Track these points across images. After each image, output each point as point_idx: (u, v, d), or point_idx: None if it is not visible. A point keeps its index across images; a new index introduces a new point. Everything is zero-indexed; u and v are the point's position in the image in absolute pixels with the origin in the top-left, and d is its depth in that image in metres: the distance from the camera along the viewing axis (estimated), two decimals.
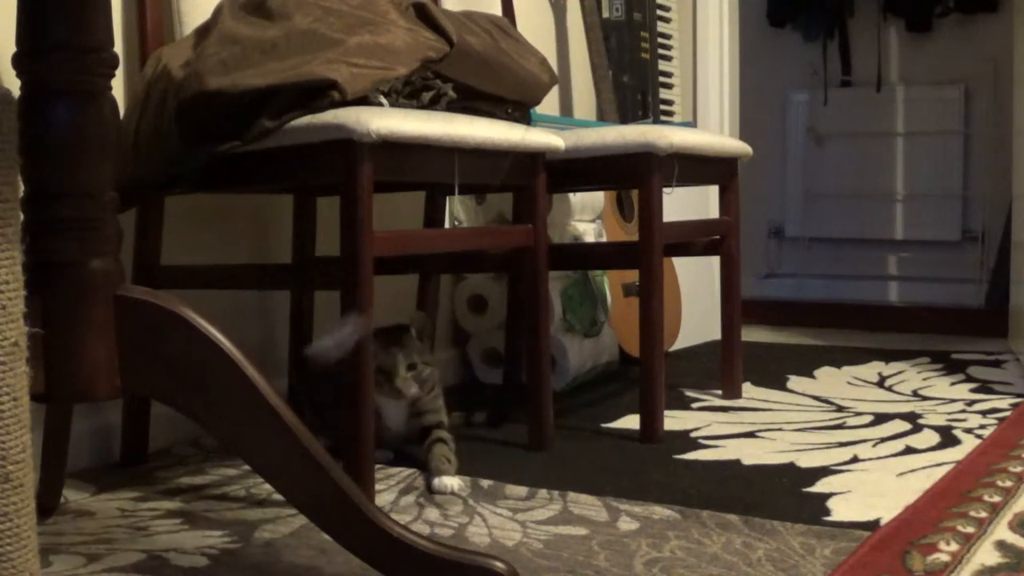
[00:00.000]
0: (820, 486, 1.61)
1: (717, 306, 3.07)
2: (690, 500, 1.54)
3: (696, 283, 3.18)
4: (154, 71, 1.61)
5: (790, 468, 1.73)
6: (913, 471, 1.69)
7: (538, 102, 1.96)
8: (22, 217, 0.95)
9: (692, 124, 3.43)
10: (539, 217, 1.86)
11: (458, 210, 2.51)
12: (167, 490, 1.63)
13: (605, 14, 3.06)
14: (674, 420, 2.10)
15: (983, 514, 1.43)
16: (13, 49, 1.10)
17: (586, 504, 1.53)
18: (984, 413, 2.14)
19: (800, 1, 4.53)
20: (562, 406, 2.22)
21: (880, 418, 2.10)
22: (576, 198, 2.51)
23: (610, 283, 2.61)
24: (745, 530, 1.40)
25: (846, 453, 1.81)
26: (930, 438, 1.92)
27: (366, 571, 1.16)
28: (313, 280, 1.85)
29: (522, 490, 1.61)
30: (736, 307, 2.31)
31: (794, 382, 2.53)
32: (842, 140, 4.53)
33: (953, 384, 2.49)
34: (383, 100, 1.61)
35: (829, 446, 1.87)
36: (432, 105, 1.70)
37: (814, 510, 1.49)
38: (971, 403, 2.25)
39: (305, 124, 1.51)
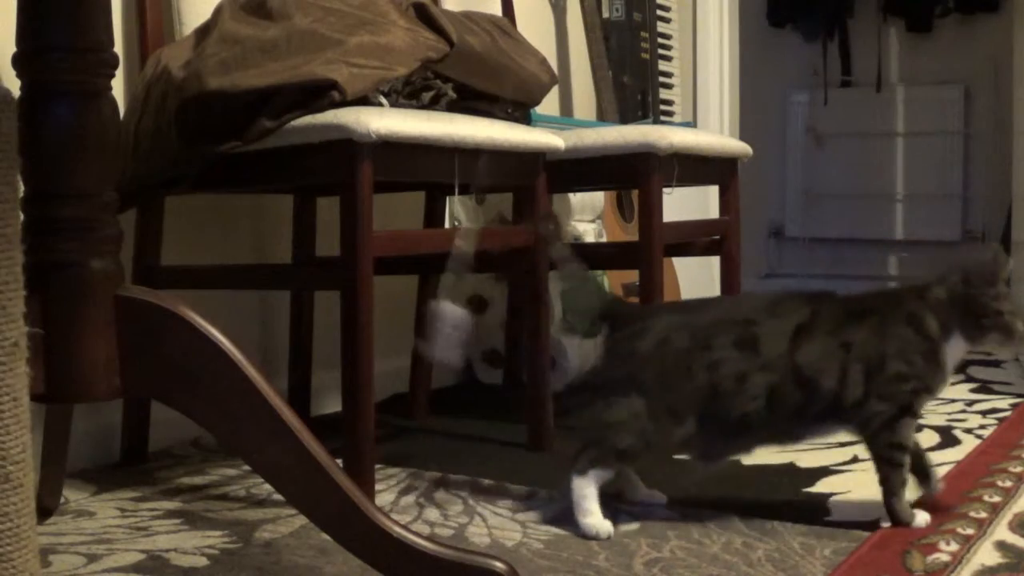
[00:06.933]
0: (820, 486, 1.61)
1: None
2: (690, 500, 1.53)
3: (696, 283, 3.18)
4: (154, 71, 1.61)
5: (790, 468, 1.73)
6: None
7: (538, 102, 1.96)
8: (22, 217, 0.95)
9: (692, 124, 3.43)
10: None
11: (458, 210, 2.51)
12: (167, 490, 1.63)
13: (605, 14, 3.06)
14: None
15: (983, 514, 1.43)
16: (13, 49, 1.10)
17: None
18: (984, 413, 2.14)
19: (800, 1, 4.53)
20: (562, 406, 2.22)
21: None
22: (576, 198, 2.51)
23: (610, 283, 2.61)
24: (745, 530, 1.40)
25: (846, 453, 1.81)
26: (930, 438, 1.92)
27: (366, 571, 1.16)
28: (313, 280, 1.85)
29: (522, 490, 1.61)
30: None
31: None
32: (842, 140, 4.53)
33: (953, 384, 2.49)
34: (383, 100, 1.61)
35: (829, 446, 1.87)
36: (432, 105, 1.70)
37: (814, 510, 1.49)
38: (971, 403, 2.25)
39: (305, 124, 1.51)
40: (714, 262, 3.22)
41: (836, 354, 1.36)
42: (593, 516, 1.38)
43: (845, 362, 1.36)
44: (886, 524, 1.39)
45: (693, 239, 2.28)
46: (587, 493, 1.39)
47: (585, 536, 1.37)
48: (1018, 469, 1.67)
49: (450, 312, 1.27)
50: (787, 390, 1.36)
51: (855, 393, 1.36)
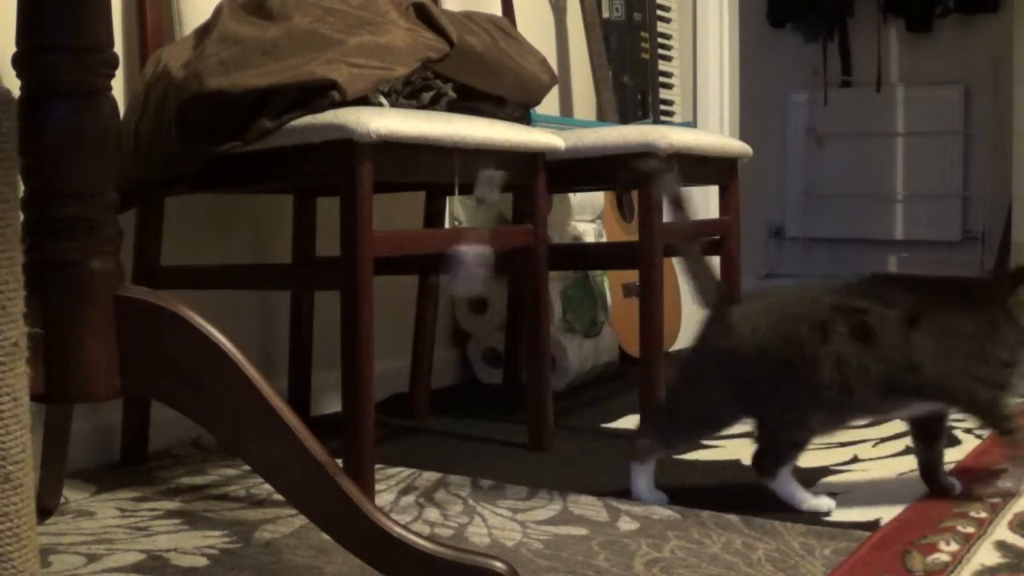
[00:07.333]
0: (820, 486, 1.61)
1: None
2: (690, 500, 1.53)
3: None
4: (154, 71, 1.61)
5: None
6: (913, 471, 1.68)
7: (538, 102, 1.96)
8: (22, 217, 0.95)
9: (692, 124, 3.43)
10: (539, 217, 1.86)
11: (458, 210, 2.51)
12: (167, 490, 1.63)
13: (605, 14, 3.06)
14: None
15: (983, 514, 1.43)
16: (13, 49, 1.10)
17: (586, 504, 1.53)
18: None
19: (800, 1, 4.53)
20: (562, 406, 2.22)
21: (880, 418, 2.10)
22: (576, 198, 2.51)
23: (610, 283, 2.61)
24: (745, 530, 1.40)
25: (846, 453, 1.81)
26: None
27: (366, 571, 1.16)
28: (313, 280, 1.85)
29: (522, 490, 1.61)
30: None
31: None
32: (842, 140, 4.53)
33: None
34: (383, 100, 1.61)
35: (829, 446, 1.87)
36: (432, 105, 1.70)
37: (814, 510, 1.49)
38: None
39: (305, 124, 1.51)
40: (714, 262, 3.22)
41: (938, 339, 1.44)
42: (813, 497, 1.49)
43: (946, 347, 1.44)
44: (885, 523, 1.39)
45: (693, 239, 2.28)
46: (791, 487, 1.49)
47: (817, 512, 1.47)
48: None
49: (473, 250, 1.30)
50: (895, 374, 1.44)
51: (951, 376, 1.45)
